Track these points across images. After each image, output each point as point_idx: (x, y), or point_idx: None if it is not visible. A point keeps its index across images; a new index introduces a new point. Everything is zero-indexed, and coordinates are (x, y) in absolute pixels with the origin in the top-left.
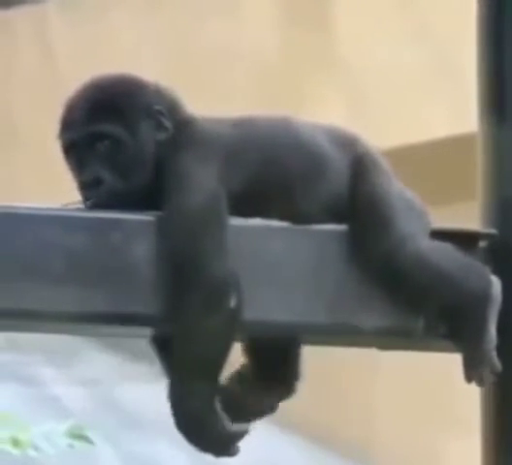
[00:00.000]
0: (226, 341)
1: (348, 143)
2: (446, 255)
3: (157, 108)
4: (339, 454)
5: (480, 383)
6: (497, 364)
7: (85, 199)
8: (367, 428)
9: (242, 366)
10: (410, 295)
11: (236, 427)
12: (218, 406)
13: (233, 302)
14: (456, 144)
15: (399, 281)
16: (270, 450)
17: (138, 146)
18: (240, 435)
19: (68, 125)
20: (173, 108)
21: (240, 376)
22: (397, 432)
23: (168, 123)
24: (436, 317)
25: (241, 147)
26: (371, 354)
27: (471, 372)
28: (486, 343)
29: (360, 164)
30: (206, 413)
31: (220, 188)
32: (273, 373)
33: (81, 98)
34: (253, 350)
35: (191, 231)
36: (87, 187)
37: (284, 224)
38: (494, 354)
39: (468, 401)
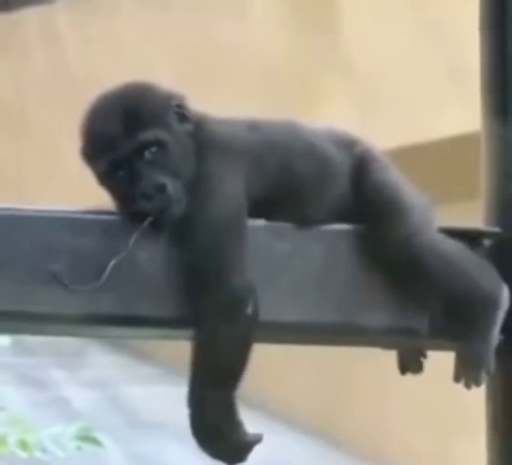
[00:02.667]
0: (245, 348)
1: (348, 144)
2: (460, 250)
3: (175, 102)
4: (349, 454)
5: (475, 384)
6: (493, 367)
7: (150, 208)
8: (377, 428)
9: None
10: (423, 288)
11: (251, 436)
12: (237, 414)
13: (250, 310)
14: (462, 143)
15: (413, 271)
16: (279, 450)
17: (180, 144)
18: (254, 444)
19: (108, 143)
20: (185, 104)
21: None
22: (407, 433)
23: (189, 113)
24: (442, 315)
25: (261, 153)
26: (382, 354)
27: (467, 372)
28: (487, 347)
29: (361, 162)
30: (225, 421)
31: (244, 196)
32: None
33: (109, 113)
34: None
35: (215, 238)
36: (151, 196)
37: (291, 225)
38: (492, 356)
39: (477, 403)
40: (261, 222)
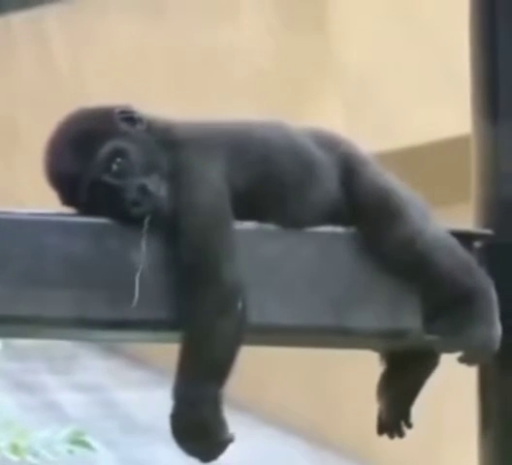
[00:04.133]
0: (236, 344)
1: (333, 144)
2: (457, 244)
3: (118, 110)
4: (340, 456)
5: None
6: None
7: (142, 211)
8: (367, 430)
9: (385, 370)
10: (421, 286)
11: (230, 435)
12: (223, 411)
13: (240, 305)
14: (453, 146)
15: (420, 269)
16: (271, 453)
17: (141, 145)
18: (230, 442)
19: (72, 178)
20: (130, 109)
21: (387, 376)
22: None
23: (137, 115)
24: (437, 313)
25: (240, 151)
26: (372, 355)
27: (474, 361)
28: (495, 333)
29: (347, 163)
30: (213, 418)
31: (226, 190)
32: (410, 353)
33: (61, 150)
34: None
35: (204, 233)
36: (138, 201)
37: (280, 227)
38: (496, 346)
39: (468, 404)
40: (251, 224)
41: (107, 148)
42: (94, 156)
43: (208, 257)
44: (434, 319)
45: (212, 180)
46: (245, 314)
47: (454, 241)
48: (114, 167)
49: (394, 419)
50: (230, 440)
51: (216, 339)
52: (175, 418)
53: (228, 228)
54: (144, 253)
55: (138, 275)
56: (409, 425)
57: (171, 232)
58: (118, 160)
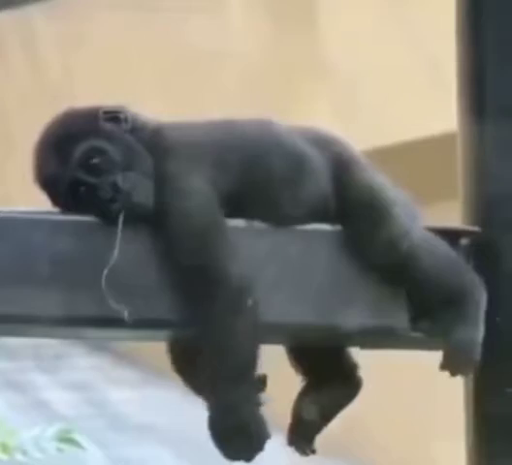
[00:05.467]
0: (255, 339)
1: (325, 143)
2: (445, 246)
3: (102, 110)
4: (326, 454)
5: (464, 373)
6: (478, 360)
7: (118, 208)
8: (355, 428)
9: (305, 386)
10: (410, 286)
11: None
12: (259, 409)
13: (251, 301)
14: (440, 144)
15: (402, 272)
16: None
17: (122, 143)
18: (269, 438)
19: (55, 176)
20: (116, 109)
21: (306, 393)
22: (386, 432)
23: (123, 115)
24: (423, 312)
25: (226, 150)
26: (359, 354)
27: (457, 364)
28: (477, 336)
29: (339, 162)
30: (251, 418)
31: (212, 191)
32: (333, 376)
33: (45, 149)
34: (303, 365)
35: (199, 236)
36: (111, 198)
37: (268, 225)
38: (479, 346)
39: (456, 402)
40: (240, 222)
41: (83, 147)
42: (72, 155)
43: (210, 259)
44: (421, 318)
45: (199, 185)
46: (258, 309)
47: (441, 243)
48: (91, 165)
49: (301, 438)
50: (268, 436)
51: (236, 338)
52: (213, 424)
53: (222, 229)
54: (117, 250)
55: (105, 272)
56: (313, 451)
57: (157, 237)
58: (95, 158)
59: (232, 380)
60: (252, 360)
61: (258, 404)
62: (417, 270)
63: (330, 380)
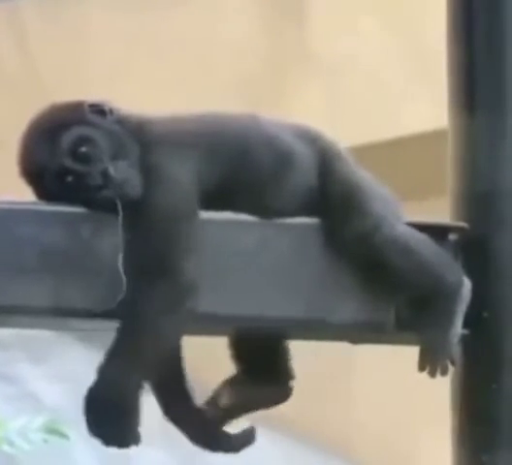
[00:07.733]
0: (175, 341)
1: (312, 139)
2: (424, 243)
3: (87, 103)
4: (318, 450)
5: (441, 373)
6: (457, 357)
7: (110, 195)
8: (345, 423)
9: (235, 375)
10: (385, 282)
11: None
12: (141, 405)
13: (189, 305)
14: (430, 140)
15: (375, 266)
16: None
17: (108, 133)
18: (139, 439)
19: (41, 164)
20: (101, 103)
21: (233, 382)
22: (375, 427)
23: (108, 107)
24: (406, 308)
25: (212, 144)
26: (347, 349)
27: (431, 363)
28: (451, 336)
29: (324, 157)
30: (131, 403)
31: (194, 185)
32: (266, 376)
33: (32, 138)
34: (241, 355)
35: (165, 230)
36: (102, 185)
37: (256, 218)
38: (456, 346)
39: (444, 396)
40: (226, 215)
41: (71, 136)
42: (60, 144)
43: (165, 255)
44: (402, 314)
45: (179, 179)
46: (193, 315)
47: (423, 239)
48: (79, 153)
49: (201, 421)
50: (139, 437)
51: (157, 337)
52: (92, 393)
53: (189, 227)
54: (120, 237)
55: (120, 261)
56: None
57: (132, 227)
58: (83, 146)
59: (130, 365)
60: (158, 361)
61: (140, 399)
62: (389, 265)
63: (260, 379)
